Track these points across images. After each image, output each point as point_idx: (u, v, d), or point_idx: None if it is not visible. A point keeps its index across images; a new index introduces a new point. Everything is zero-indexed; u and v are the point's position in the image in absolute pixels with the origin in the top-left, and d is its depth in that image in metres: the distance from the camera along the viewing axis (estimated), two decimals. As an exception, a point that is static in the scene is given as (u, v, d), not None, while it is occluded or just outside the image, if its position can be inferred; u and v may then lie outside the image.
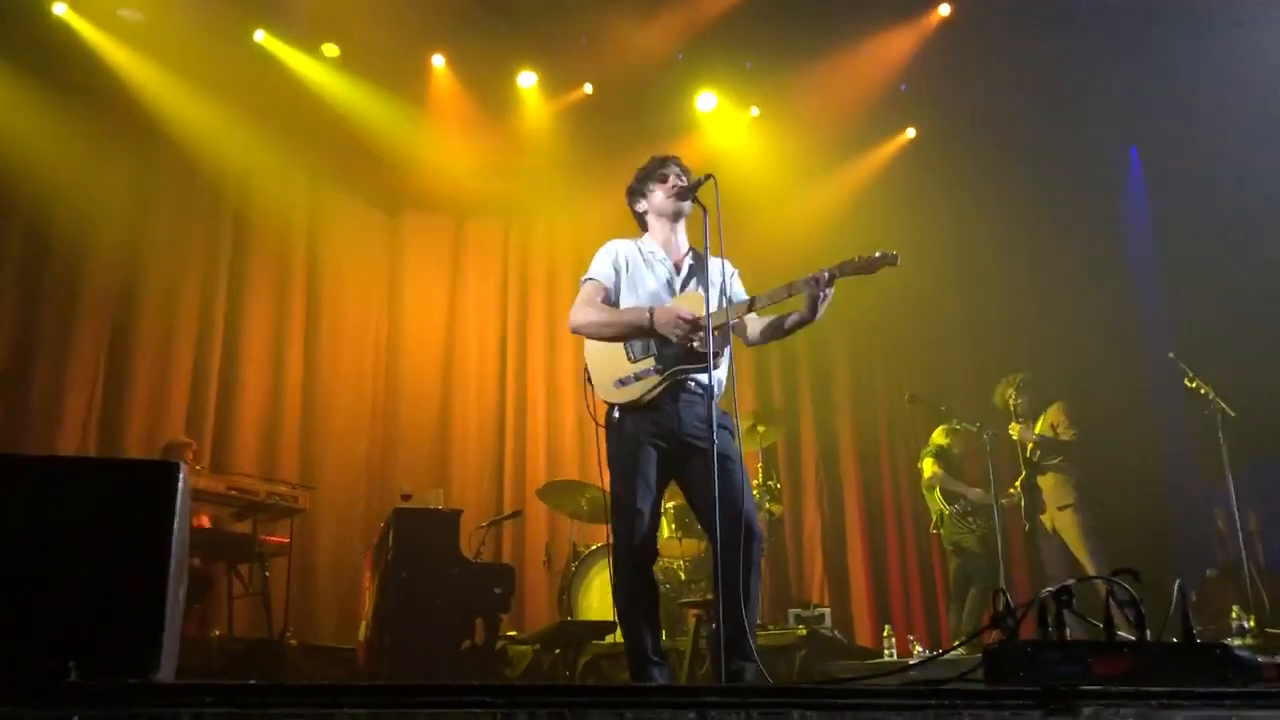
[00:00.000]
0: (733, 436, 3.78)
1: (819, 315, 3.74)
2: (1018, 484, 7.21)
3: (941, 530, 7.49)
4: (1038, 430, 7.21)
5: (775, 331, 3.94)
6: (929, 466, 7.54)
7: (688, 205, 3.94)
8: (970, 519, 7.24)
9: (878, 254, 3.66)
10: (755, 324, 3.99)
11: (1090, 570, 6.78)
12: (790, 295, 3.72)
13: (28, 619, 1.86)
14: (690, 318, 3.69)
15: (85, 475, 2.01)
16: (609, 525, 3.87)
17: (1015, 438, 7.19)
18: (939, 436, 7.63)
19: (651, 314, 3.74)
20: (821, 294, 3.66)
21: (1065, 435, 7.13)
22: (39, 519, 1.93)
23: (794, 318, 3.83)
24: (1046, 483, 7.11)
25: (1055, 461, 7.12)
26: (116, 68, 7.55)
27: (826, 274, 3.65)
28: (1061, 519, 7.02)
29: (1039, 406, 7.29)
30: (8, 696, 1.66)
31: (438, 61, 8.31)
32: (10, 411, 7.01)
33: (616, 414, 3.79)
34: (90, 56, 7.47)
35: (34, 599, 1.88)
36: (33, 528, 1.92)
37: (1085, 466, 7.18)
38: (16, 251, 7.32)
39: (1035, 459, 7.17)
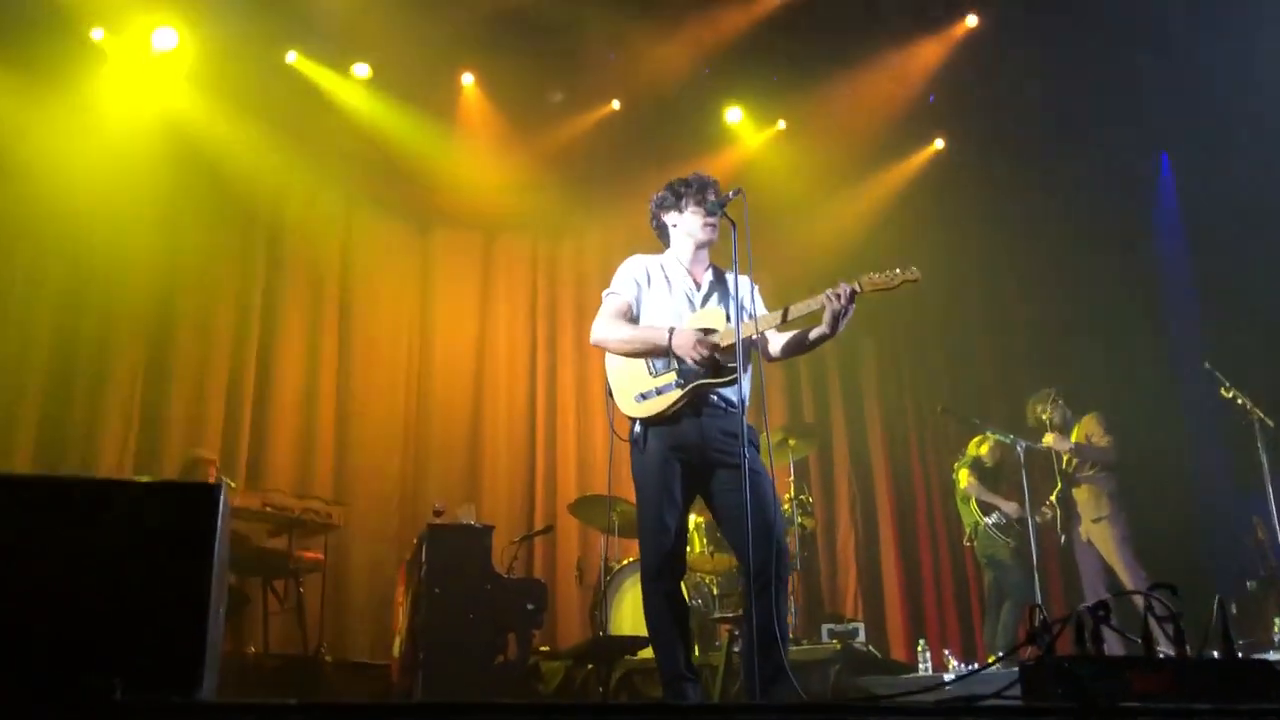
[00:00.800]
0: (758, 451, 3.78)
1: (839, 331, 3.73)
2: (1053, 497, 7.15)
3: (975, 543, 7.43)
4: (1072, 441, 7.15)
5: (797, 347, 3.93)
6: (964, 478, 7.49)
7: (716, 235, 3.96)
8: (1005, 531, 7.18)
9: (898, 271, 3.66)
10: (777, 340, 3.98)
11: (1126, 583, 6.71)
12: (816, 306, 3.72)
13: (74, 638, 1.89)
14: (709, 342, 3.69)
15: (129, 497, 2.05)
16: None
17: (1050, 445, 7.12)
18: (974, 447, 7.59)
19: (670, 335, 3.74)
20: (843, 310, 3.65)
21: (1100, 443, 7.07)
22: (84, 540, 1.96)
23: (815, 333, 3.82)
24: (1081, 495, 7.05)
25: (1090, 473, 7.06)
26: (150, 90, 7.65)
27: (847, 291, 3.64)
28: (1096, 531, 6.96)
29: (1072, 419, 7.24)
30: (55, 715, 1.69)
31: (467, 79, 8.37)
32: (49, 431, 7.09)
33: (639, 428, 3.79)
34: (126, 80, 7.58)
35: (80, 619, 1.91)
36: (78, 548, 1.96)
37: (1120, 477, 7.11)
38: (55, 274, 7.41)
39: (1070, 471, 7.11)
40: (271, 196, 8.25)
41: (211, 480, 6.44)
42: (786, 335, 3.94)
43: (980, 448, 7.52)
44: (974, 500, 7.36)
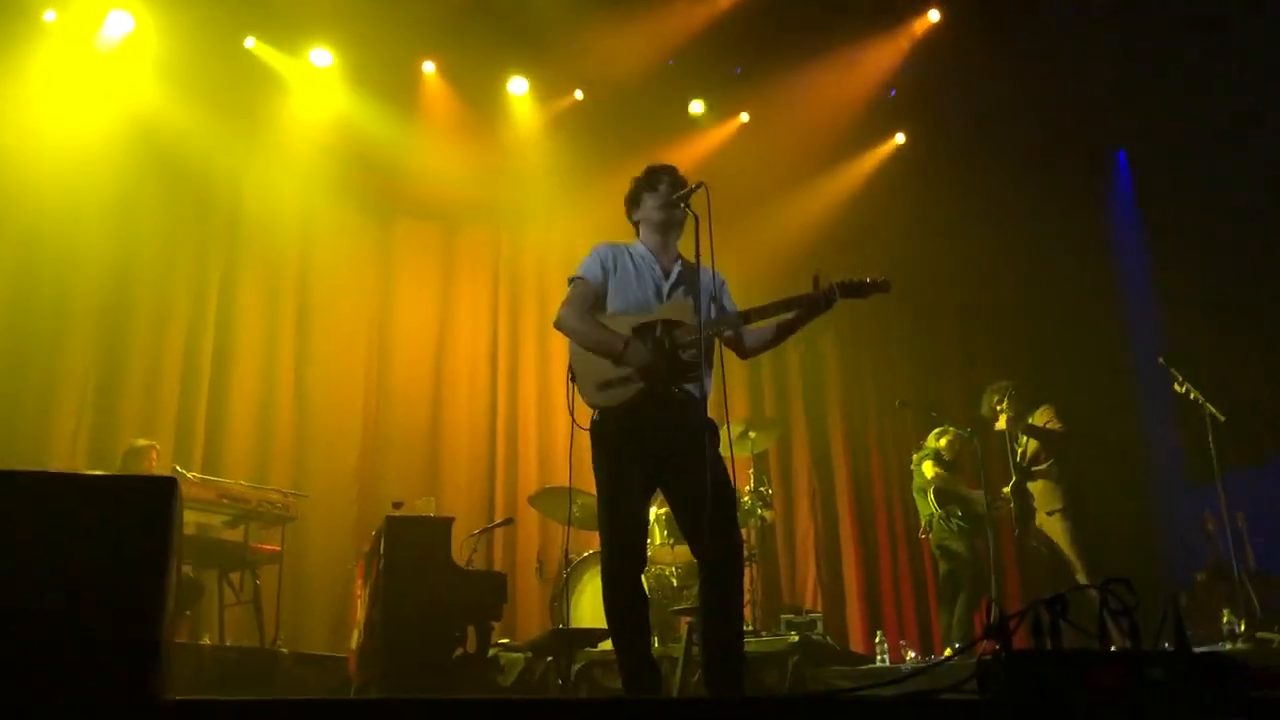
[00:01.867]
0: (719, 443, 3.78)
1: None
2: (1008, 489, 7.21)
3: (930, 535, 7.49)
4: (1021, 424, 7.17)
5: (771, 341, 3.94)
6: (928, 469, 7.49)
7: (679, 214, 3.94)
8: (961, 523, 7.23)
9: (869, 280, 3.69)
10: (749, 336, 3.98)
11: (1080, 574, 6.80)
12: (787, 310, 3.73)
13: (24, 637, 1.86)
14: (664, 367, 3.67)
15: (82, 492, 2.01)
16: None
17: (1003, 428, 7.16)
18: (933, 440, 7.62)
19: (625, 346, 3.71)
20: (821, 311, 3.70)
21: (1055, 427, 7.13)
22: (35, 536, 1.92)
23: (789, 323, 3.83)
24: (1036, 487, 7.12)
25: (1043, 466, 7.13)
26: (106, 73, 7.52)
27: (824, 297, 3.67)
28: (1050, 523, 7.04)
29: (1026, 411, 7.29)
30: (7, 716, 1.66)
31: (428, 68, 8.31)
32: (0, 422, 6.97)
33: (599, 417, 3.77)
34: (80, 62, 7.44)
35: (31, 617, 1.87)
36: (28, 545, 1.92)
37: (1074, 470, 7.19)
38: (8, 261, 7.28)
39: (1024, 464, 7.18)
40: (229, 184, 8.15)
41: (153, 465, 6.37)
42: (758, 332, 3.93)
43: (939, 440, 7.57)
44: (932, 492, 7.40)
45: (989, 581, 6.89)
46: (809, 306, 3.67)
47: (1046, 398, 7.41)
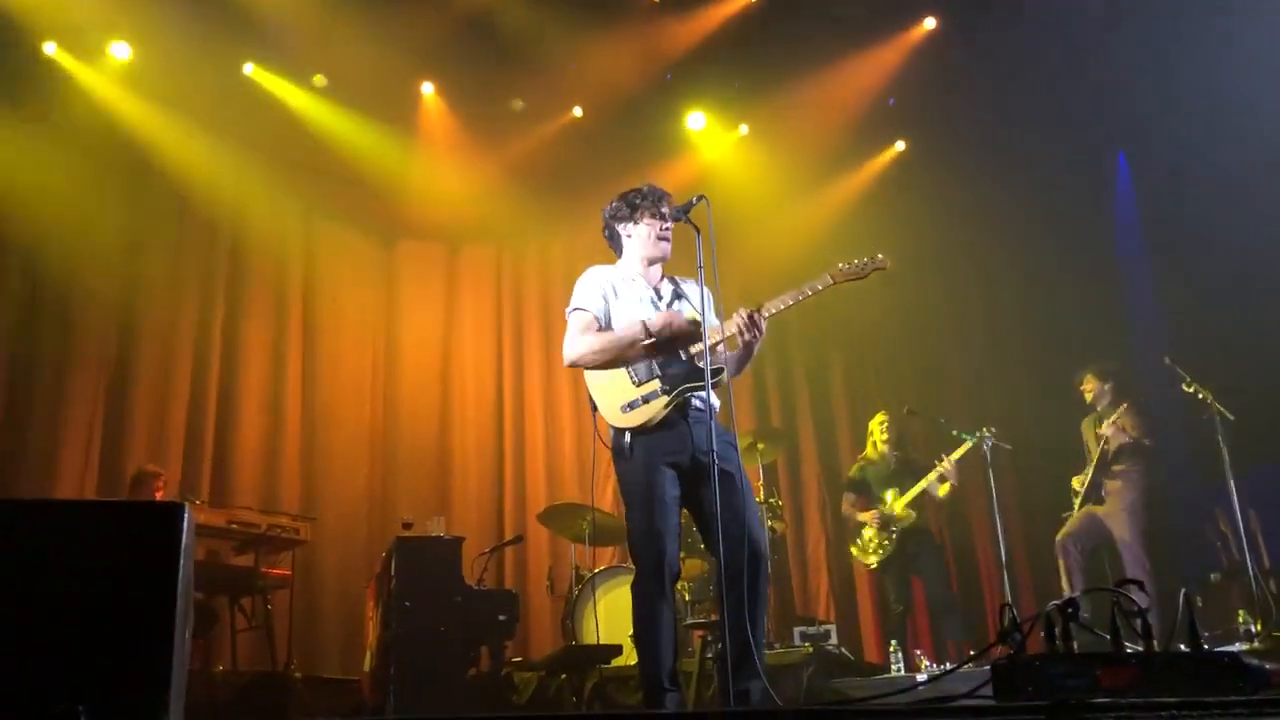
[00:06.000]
0: (736, 453, 3.81)
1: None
2: (1079, 483, 7.11)
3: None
4: (1104, 430, 7.08)
5: (741, 364, 3.97)
6: (843, 503, 7.54)
7: (668, 251, 3.98)
8: (866, 544, 7.19)
9: (866, 260, 3.76)
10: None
11: (1126, 569, 6.75)
12: (799, 300, 3.82)
13: (37, 664, 1.86)
14: (681, 316, 3.74)
15: (92, 519, 2.01)
16: (620, 547, 3.86)
17: (1100, 429, 7.04)
18: (853, 470, 7.59)
19: (644, 324, 3.76)
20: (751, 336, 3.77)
21: (1136, 436, 7.01)
22: (46, 563, 1.92)
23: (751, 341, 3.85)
24: (1114, 485, 7.02)
25: (1124, 466, 7.03)
26: (107, 104, 7.56)
27: (820, 285, 3.74)
28: (1118, 518, 6.94)
29: (1116, 403, 7.18)
30: (17, 744, 1.66)
31: (427, 89, 8.34)
32: (8, 451, 6.98)
33: (627, 438, 3.76)
34: (81, 94, 7.48)
35: (43, 644, 1.87)
36: (40, 572, 1.92)
37: (1155, 472, 7.10)
38: (13, 291, 7.30)
39: (1108, 461, 7.06)
40: (232, 210, 8.19)
41: (158, 492, 6.38)
42: (733, 356, 3.95)
43: (877, 423, 7.49)
44: (851, 524, 7.39)
45: (909, 595, 7.04)
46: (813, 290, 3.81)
47: (1126, 397, 7.28)
